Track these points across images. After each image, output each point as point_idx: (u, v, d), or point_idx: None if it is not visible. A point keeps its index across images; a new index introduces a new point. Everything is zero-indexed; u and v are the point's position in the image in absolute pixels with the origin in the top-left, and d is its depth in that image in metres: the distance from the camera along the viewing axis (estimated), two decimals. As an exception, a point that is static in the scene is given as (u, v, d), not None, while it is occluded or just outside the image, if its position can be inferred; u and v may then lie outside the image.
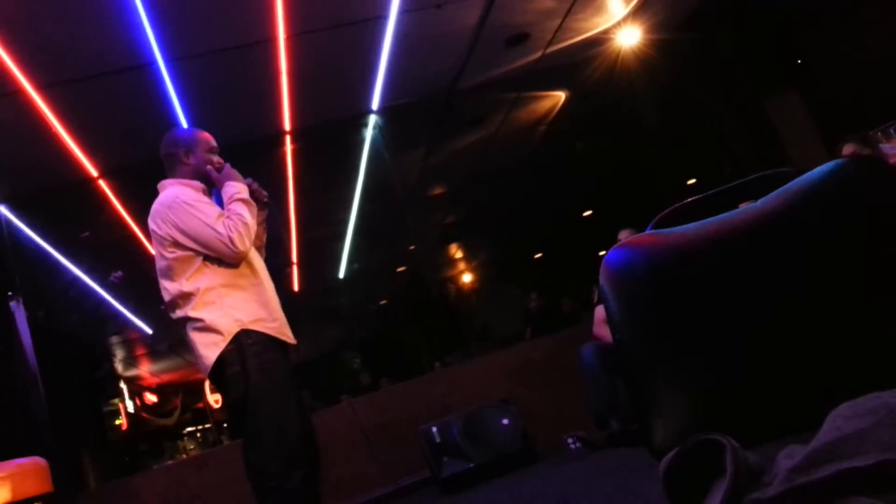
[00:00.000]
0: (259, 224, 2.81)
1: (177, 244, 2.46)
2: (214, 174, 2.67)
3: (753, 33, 6.27)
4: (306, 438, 2.49)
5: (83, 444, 8.02)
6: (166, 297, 2.53)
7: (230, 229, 2.44)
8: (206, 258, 2.47)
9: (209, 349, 2.42)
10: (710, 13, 6.22)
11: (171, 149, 2.68)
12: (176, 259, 2.47)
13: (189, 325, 2.47)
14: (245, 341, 2.41)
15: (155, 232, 2.51)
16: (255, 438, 2.40)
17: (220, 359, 2.40)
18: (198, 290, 2.45)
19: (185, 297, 2.46)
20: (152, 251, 2.59)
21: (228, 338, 2.40)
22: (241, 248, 2.45)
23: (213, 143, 2.72)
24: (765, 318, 1.03)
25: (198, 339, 2.45)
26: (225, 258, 2.47)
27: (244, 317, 2.45)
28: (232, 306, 2.45)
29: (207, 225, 2.44)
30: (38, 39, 4.14)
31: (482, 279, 13.29)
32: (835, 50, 5.99)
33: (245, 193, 2.59)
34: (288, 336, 2.57)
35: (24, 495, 2.52)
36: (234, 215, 2.50)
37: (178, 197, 2.51)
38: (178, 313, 2.50)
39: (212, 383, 2.55)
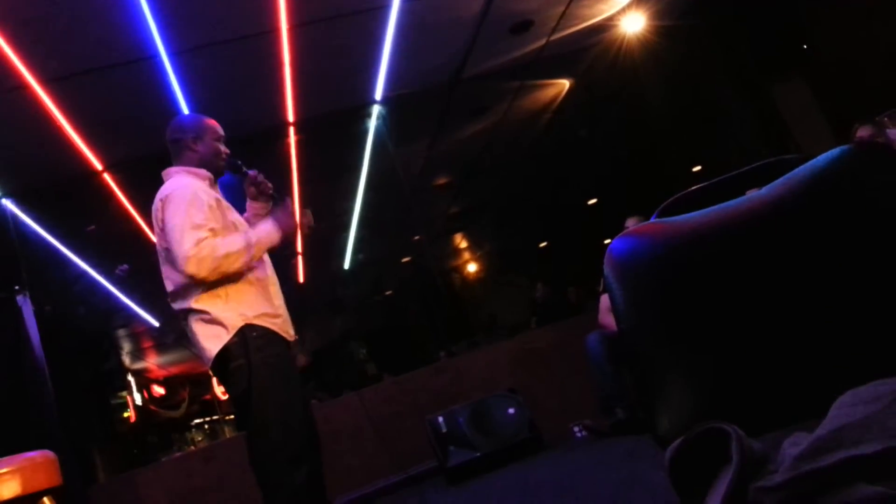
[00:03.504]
0: (262, 216, 2.80)
1: None
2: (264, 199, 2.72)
3: (759, 19, 6.22)
4: (308, 432, 2.49)
5: (92, 437, 8.06)
6: (169, 287, 2.51)
7: (199, 248, 2.31)
8: None
9: (212, 342, 2.41)
10: (715, -1, 6.18)
11: (179, 135, 2.63)
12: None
13: (192, 317, 2.45)
14: (249, 334, 2.40)
15: (155, 219, 2.48)
16: (260, 432, 2.40)
17: (224, 351, 2.39)
18: None
19: (189, 288, 2.44)
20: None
21: (232, 331, 2.39)
22: (189, 270, 2.32)
23: (221, 131, 2.68)
24: (770, 306, 1.02)
25: (201, 331, 2.43)
26: (177, 269, 2.38)
27: (248, 311, 2.43)
28: (237, 300, 2.43)
29: (183, 231, 2.35)
30: (41, 34, 4.13)
31: (487, 269, 13.28)
32: (842, 36, 5.94)
33: (267, 242, 2.49)
34: (289, 333, 2.56)
35: (34, 489, 2.53)
36: (223, 242, 2.37)
37: (183, 189, 2.45)
38: (181, 304, 2.48)
39: (214, 375, 2.55)
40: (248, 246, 2.42)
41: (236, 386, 2.41)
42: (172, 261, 2.39)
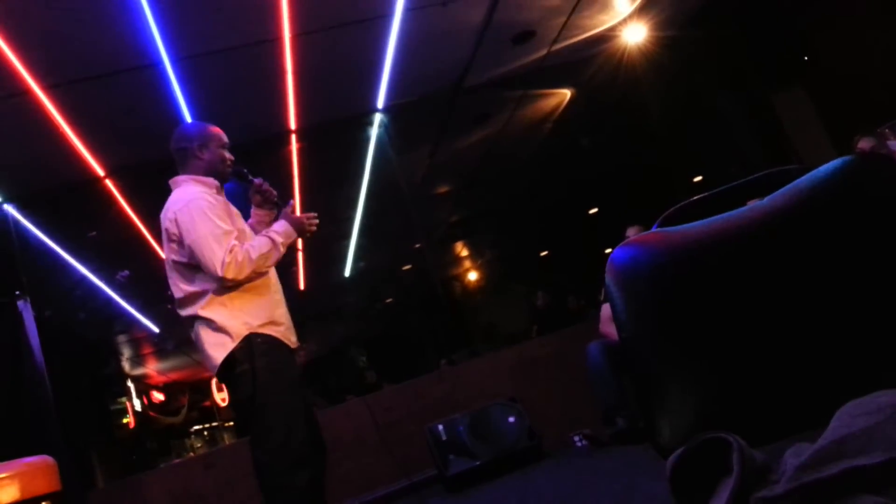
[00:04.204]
0: (266, 223, 2.81)
1: (183, 245, 2.46)
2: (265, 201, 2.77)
3: (760, 30, 6.25)
4: (312, 437, 2.50)
5: (91, 442, 8.05)
6: (176, 295, 2.53)
7: (234, 253, 2.38)
8: None
9: (217, 350, 2.43)
10: (717, 10, 6.19)
11: (184, 143, 2.64)
12: (187, 259, 2.46)
13: (198, 324, 2.48)
14: (254, 341, 2.43)
15: (168, 230, 2.49)
16: (262, 436, 2.42)
17: (229, 357, 2.42)
18: (207, 290, 2.45)
19: (196, 296, 2.47)
20: (159, 250, 2.58)
21: (237, 340, 2.42)
22: (229, 275, 2.38)
23: (225, 138, 2.69)
24: (771, 316, 1.02)
25: (206, 338, 2.46)
26: (210, 275, 2.41)
27: (253, 320, 2.46)
28: (241, 309, 2.46)
29: (213, 239, 2.39)
30: (44, 40, 4.15)
31: (488, 277, 13.28)
32: (842, 46, 5.96)
33: (287, 239, 2.57)
34: (291, 341, 2.58)
35: (33, 494, 2.53)
36: (252, 245, 2.46)
37: (198, 200, 2.47)
38: (188, 311, 2.50)
39: (220, 381, 2.56)
40: (276, 244, 2.52)
41: (240, 391, 2.44)
42: (205, 268, 2.41)
